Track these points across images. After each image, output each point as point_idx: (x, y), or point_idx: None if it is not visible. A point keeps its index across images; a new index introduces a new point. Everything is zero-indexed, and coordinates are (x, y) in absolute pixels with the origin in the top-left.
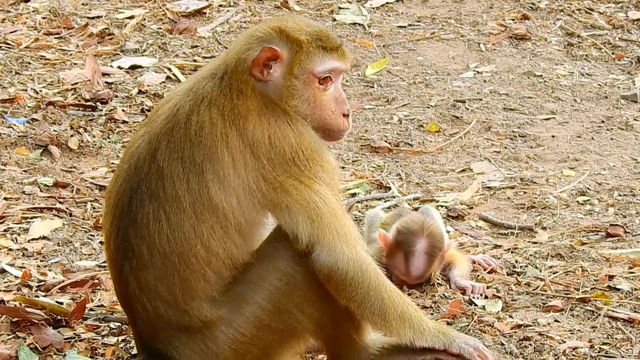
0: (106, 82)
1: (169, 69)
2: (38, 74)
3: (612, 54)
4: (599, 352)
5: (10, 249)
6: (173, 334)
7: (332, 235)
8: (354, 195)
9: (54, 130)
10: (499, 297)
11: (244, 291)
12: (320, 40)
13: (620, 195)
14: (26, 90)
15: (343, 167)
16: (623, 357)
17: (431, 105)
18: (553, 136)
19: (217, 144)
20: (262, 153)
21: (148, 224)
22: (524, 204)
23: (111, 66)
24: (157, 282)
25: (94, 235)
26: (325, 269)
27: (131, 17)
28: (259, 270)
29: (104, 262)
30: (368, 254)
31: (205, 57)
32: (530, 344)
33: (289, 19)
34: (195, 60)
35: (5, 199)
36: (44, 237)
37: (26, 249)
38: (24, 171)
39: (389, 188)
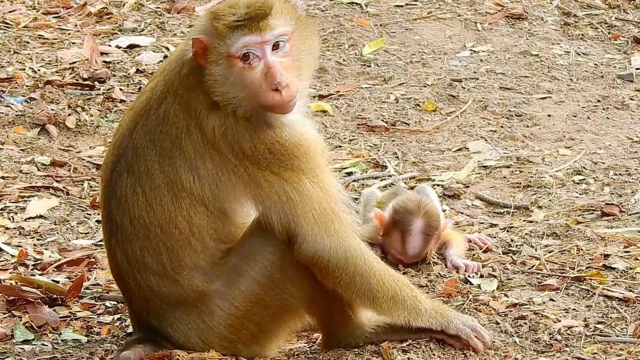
0: (104, 62)
1: (167, 48)
2: (36, 53)
3: (609, 33)
4: (594, 331)
5: (7, 228)
6: (167, 309)
7: (310, 225)
8: (350, 174)
9: (52, 109)
10: (495, 276)
11: (238, 265)
12: (230, 19)
13: (616, 175)
14: (24, 69)
15: (339, 146)
16: (618, 336)
17: (428, 85)
18: (549, 115)
19: (181, 135)
20: (224, 148)
21: (126, 196)
22: (520, 183)
23: (109, 45)
24: (144, 253)
25: (90, 214)
26: (307, 259)
27: None
28: (253, 244)
29: (100, 240)
30: (354, 238)
31: None
32: (525, 323)
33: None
34: None
35: (3, 177)
36: (40, 216)
37: (23, 228)
38: (22, 150)
39: (385, 167)
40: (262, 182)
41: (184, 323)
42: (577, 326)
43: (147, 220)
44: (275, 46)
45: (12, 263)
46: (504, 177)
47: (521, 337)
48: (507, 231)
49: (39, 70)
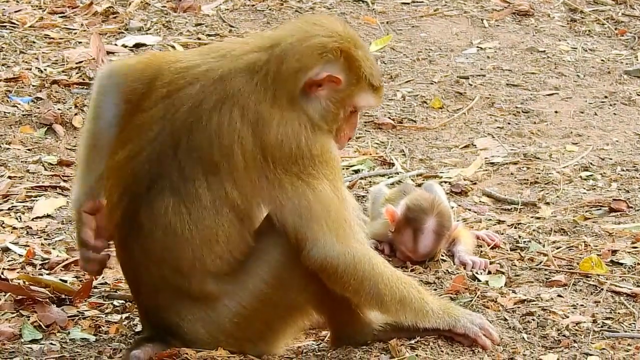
0: (110, 61)
1: (173, 47)
2: (43, 52)
3: (615, 29)
4: (601, 326)
5: (15, 228)
6: (176, 299)
7: (322, 231)
8: (357, 171)
9: (58, 109)
10: (502, 273)
11: (247, 264)
12: (372, 77)
13: (623, 170)
14: (31, 69)
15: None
16: (626, 331)
17: (434, 82)
18: (556, 112)
19: (233, 145)
20: (270, 154)
21: (166, 214)
22: (527, 180)
23: (115, 44)
24: (164, 253)
25: None
26: (316, 264)
27: None
28: (262, 244)
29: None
30: (363, 244)
31: (210, 35)
32: (533, 319)
33: (353, 39)
34: (199, 39)
35: (10, 177)
36: (48, 216)
37: (30, 228)
38: (28, 150)
39: (393, 164)
40: (288, 185)
41: (192, 314)
42: (585, 322)
43: (189, 236)
44: None
45: (20, 263)
46: (511, 174)
47: (529, 334)
48: (515, 228)
49: (45, 69)
